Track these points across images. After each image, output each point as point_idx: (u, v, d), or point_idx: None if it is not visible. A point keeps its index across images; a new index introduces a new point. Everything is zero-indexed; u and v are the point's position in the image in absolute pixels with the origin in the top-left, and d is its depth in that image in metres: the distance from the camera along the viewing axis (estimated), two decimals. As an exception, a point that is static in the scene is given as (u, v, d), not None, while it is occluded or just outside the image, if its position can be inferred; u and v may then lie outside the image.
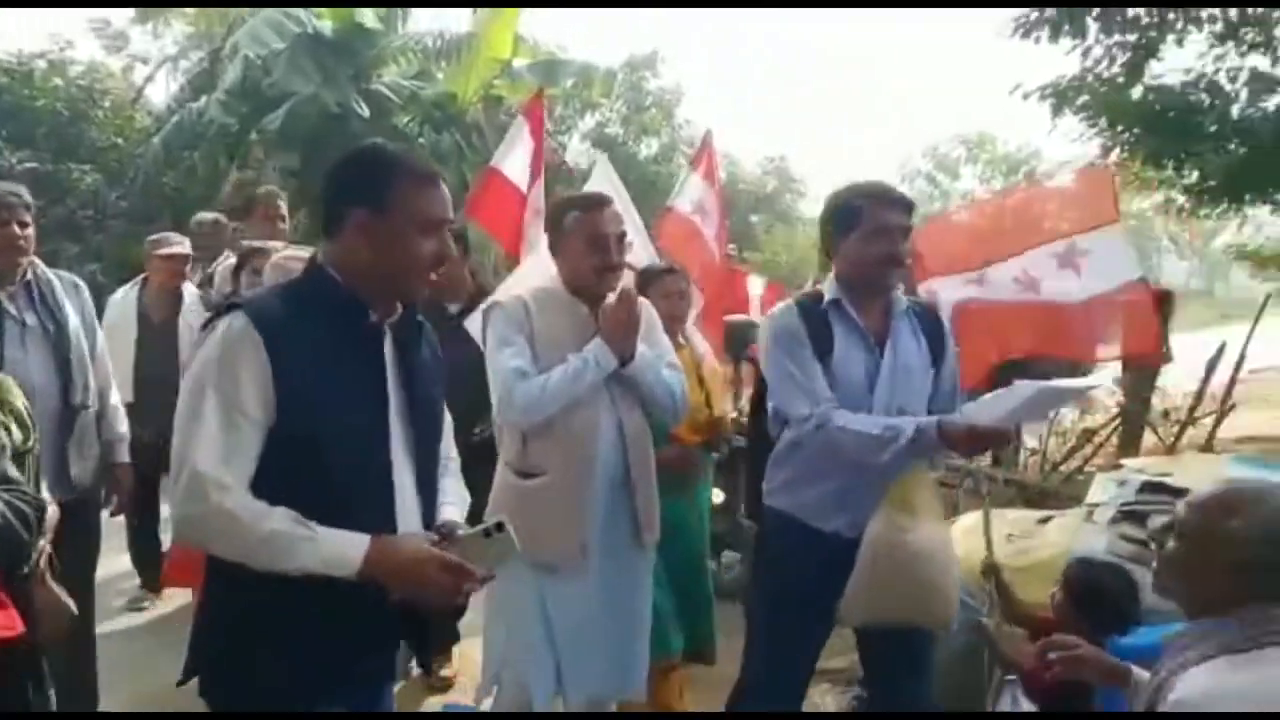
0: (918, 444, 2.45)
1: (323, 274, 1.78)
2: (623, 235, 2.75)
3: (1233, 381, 6.06)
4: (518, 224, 4.32)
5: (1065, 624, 2.55)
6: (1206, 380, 7.32)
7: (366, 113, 10.78)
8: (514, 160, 4.48)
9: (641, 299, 2.79)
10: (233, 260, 4.24)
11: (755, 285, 7.11)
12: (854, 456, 2.51)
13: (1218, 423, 4.78)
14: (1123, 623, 2.59)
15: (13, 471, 1.97)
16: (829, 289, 2.66)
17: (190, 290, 4.47)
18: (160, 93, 14.21)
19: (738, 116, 75.74)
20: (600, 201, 2.77)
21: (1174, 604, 1.86)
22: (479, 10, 12.05)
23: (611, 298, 2.70)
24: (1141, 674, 1.96)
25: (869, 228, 2.57)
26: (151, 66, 14.53)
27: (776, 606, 2.72)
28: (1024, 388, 2.31)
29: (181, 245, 4.41)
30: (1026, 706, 2.62)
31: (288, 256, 2.91)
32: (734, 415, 4.21)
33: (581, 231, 2.68)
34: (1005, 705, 2.73)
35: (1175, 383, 6.05)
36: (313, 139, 10.49)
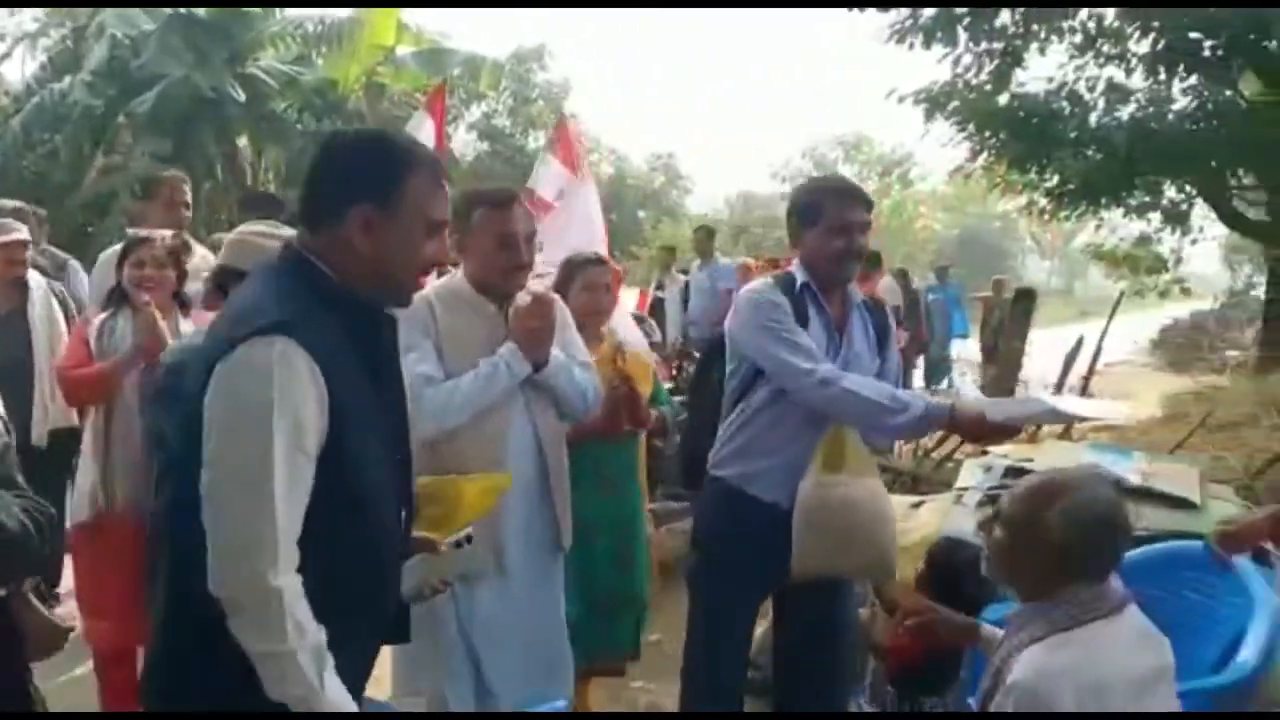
0: (924, 421, 2.58)
1: (315, 270, 1.62)
2: (532, 234, 2.70)
3: (1090, 373, 6.46)
4: None
5: (928, 598, 2.70)
6: (1065, 373, 7.77)
7: (242, 97, 10.42)
8: None
9: (554, 295, 2.78)
10: (116, 249, 3.95)
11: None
12: (850, 419, 2.60)
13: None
14: (979, 600, 2.74)
15: (19, 477, 1.84)
16: (799, 273, 2.76)
17: (36, 279, 4.21)
18: (15, 71, 13.40)
19: (627, 113, 76.02)
20: (510, 198, 2.70)
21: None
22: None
23: (525, 298, 2.65)
24: (992, 630, 2.10)
25: (829, 223, 2.69)
26: (8, 43, 13.68)
27: (718, 574, 2.78)
28: (1044, 402, 2.37)
29: (20, 231, 4.15)
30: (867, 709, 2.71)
31: (259, 233, 2.64)
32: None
33: (490, 229, 2.60)
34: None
35: (1039, 375, 6.39)
36: (184, 124, 10.08)
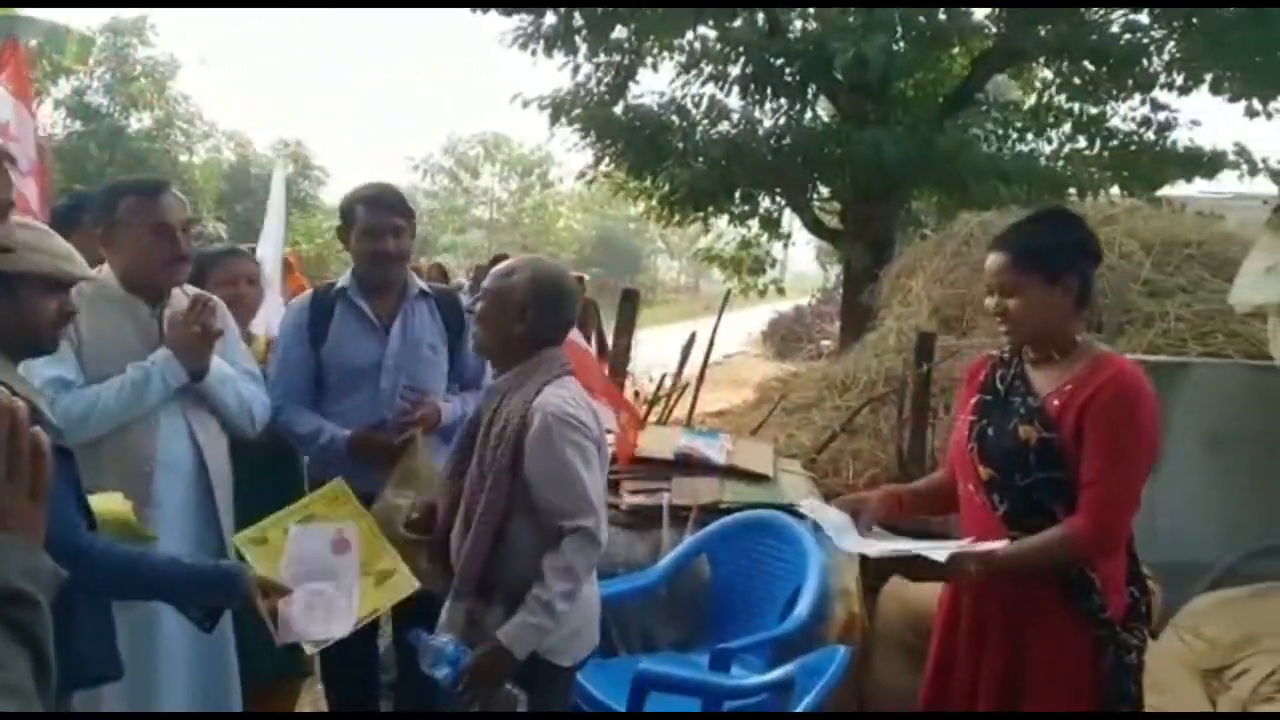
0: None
1: None
2: (189, 223, 2.54)
3: (704, 365, 6.99)
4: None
5: None
6: (681, 365, 8.43)
7: None
8: None
9: (215, 298, 2.58)
10: None
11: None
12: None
13: (675, 401, 5.54)
14: None
15: None
16: (346, 276, 3.03)
17: None
18: None
19: (245, 97, 70.97)
20: (162, 185, 2.53)
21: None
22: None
23: (182, 300, 2.47)
24: None
25: (360, 227, 2.92)
26: None
27: None
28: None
29: None
30: None
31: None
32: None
33: (143, 220, 2.40)
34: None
35: (665, 366, 6.81)
36: None
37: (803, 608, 2.96)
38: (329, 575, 2.31)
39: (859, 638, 3.26)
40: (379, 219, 2.91)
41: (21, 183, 4.21)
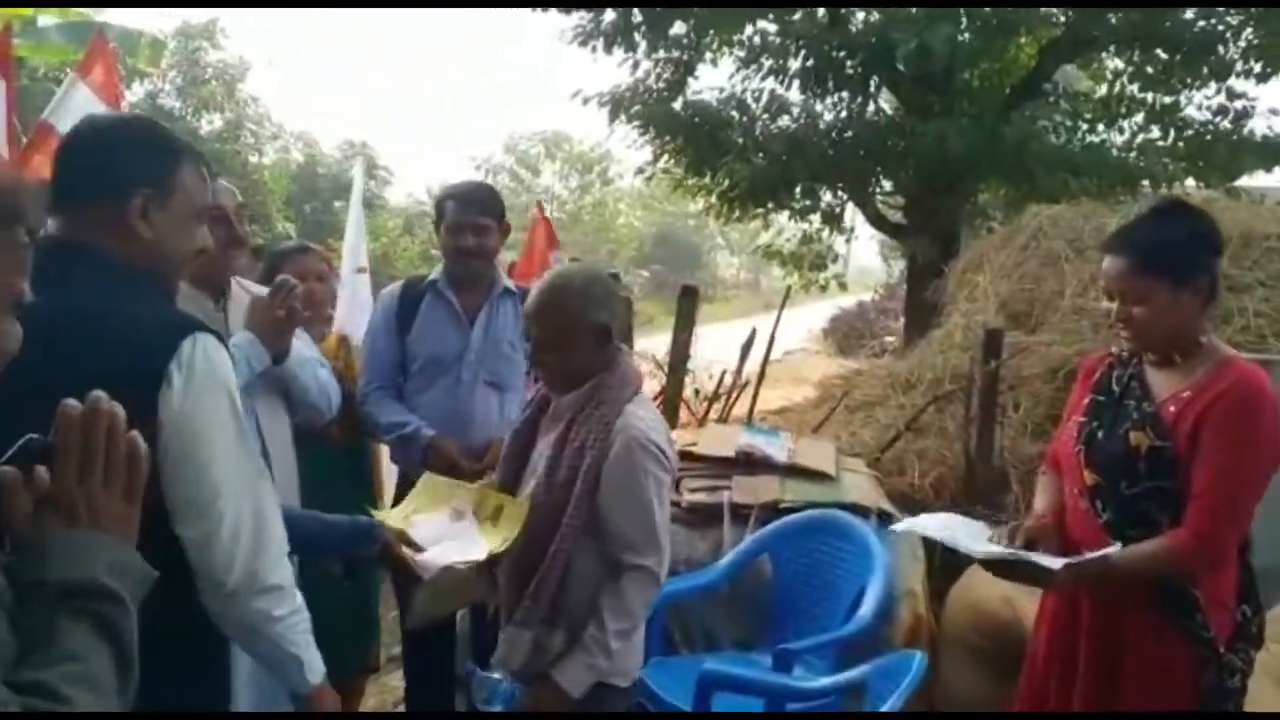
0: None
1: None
2: (242, 208, 2.59)
3: (764, 362, 6.94)
4: None
5: None
6: (741, 362, 8.37)
7: None
8: None
9: (296, 282, 2.59)
10: None
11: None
12: None
13: (735, 398, 5.51)
14: None
15: None
16: (438, 269, 3.15)
17: None
18: None
19: (313, 99, 72.09)
20: (213, 174, 2.55)
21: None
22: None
23: (242, 295, 2.50)
24: None
25: (447, 222, 3.04)
26: None
27: None
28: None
29: None
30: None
31: None
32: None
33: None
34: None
35: (724, 363, 6.77)
36: None
37: (867, 609, 2.92)
38: (454, 537, 2.29)
39: (925, 640, 3.21)
40: (463, 216, 3.02)
41: None
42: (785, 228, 12.50)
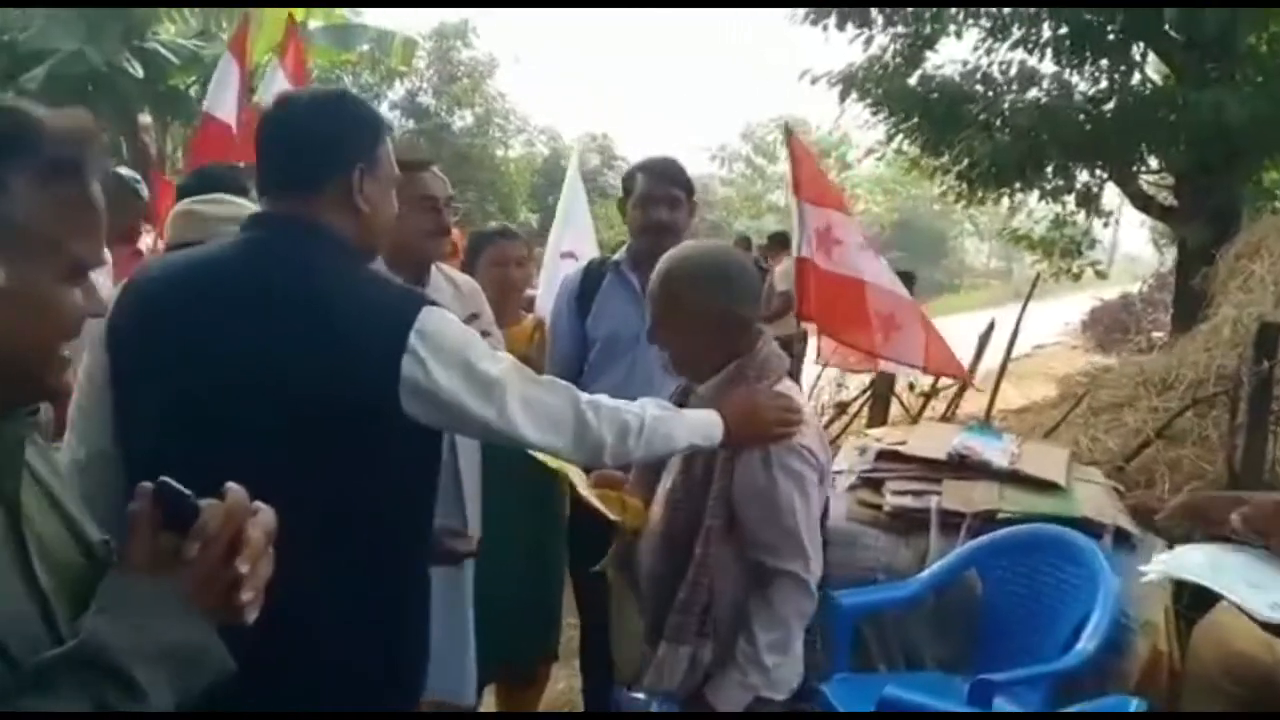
0: None
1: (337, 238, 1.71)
2: (450, 200, 2.61)
3: (1006, 357, 6.43)
4: (227, 160, 3.92)
5: None
6: (978, 356, 7.82)
7: (140, 72, 10.03)
8: (223, 98, 4.18)
9: (470, 280, 2.70)
10: None
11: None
12: None
13: (960, 395, 5.09)
14: None
15: None
16: (622, 251, 3.03)
17: None
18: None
19: (556, 92, 74.98)
20: (426, 162, 2.60)
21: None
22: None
23: (440, 282, 2.56)
24: None
25: (637, 195, 2.92)
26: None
27: None
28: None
29: None
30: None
31: (208, 200, 2.53)
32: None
33: (408, 194, 2.37)
34: None
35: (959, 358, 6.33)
36: (78, 99, 9.67)
37: (1089, 641, 2.55)
38: None
39: (1165, 681, 2.78)
40: (656, 188, 2.91)
41: None
42: (1036, 210, 11.59)
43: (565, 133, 26.77)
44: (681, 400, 2.12)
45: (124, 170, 4.13)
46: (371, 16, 12.34)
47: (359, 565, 1.59)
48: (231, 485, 0.97)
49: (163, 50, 10.56)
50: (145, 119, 8.13)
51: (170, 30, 11.30)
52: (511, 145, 21.56)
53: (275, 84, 4.41)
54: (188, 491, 0.92)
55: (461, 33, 18.86)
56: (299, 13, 11.10)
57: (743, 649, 1.89)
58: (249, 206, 2.39)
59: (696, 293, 1.95)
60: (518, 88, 50.22)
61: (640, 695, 1.99)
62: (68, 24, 9.55)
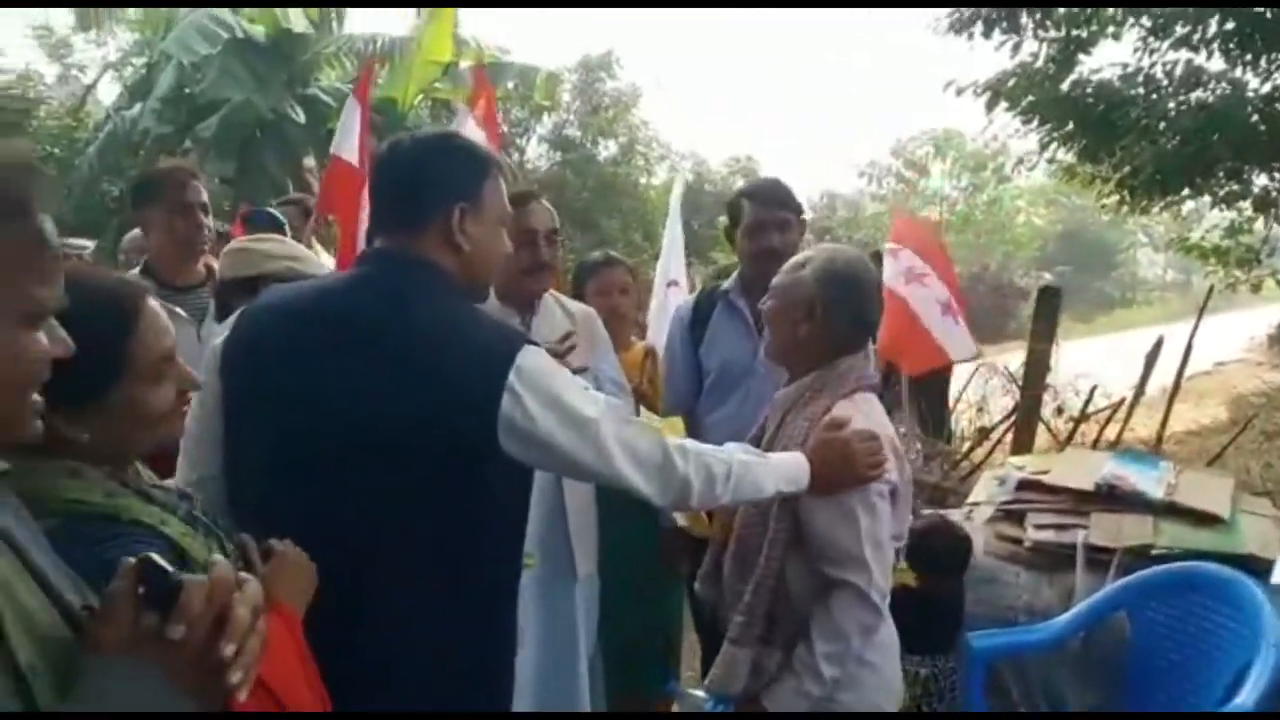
0: None
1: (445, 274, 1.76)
2: (553, 232, 2.62)
3: (1178, 378, 6.01)
4: (356, 201, 4.03)
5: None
6: (1145, 376, 7.28)
7: (303, 118, 10.64)
8: (349, 141, 4.32)
9: (584, 307, 2.71)
10: None
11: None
12: None
13: (1111, 418, 4.74)
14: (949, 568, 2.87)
15: None
16: (731, 279, 2.94)
17: None
18: (105, 101, 13.97)
19: (700, 117, 75.05)
20: (529, 195, 2.64)
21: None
22: (421, 12, 11.94)
23: (553, 309, 2.59)
24: None
25: (746, 223, 2.83)
26: (94, 74, 14.26)
27: None
28: None
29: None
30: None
31: (259, 239, 2.70)
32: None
33: (510, 227, 2.57)
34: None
35: (1126, 378, 5.96)
36: (247, 146, 10.36)
37: (1248, 694, 2.30)
38: None
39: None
40: (765, 213, 2.82)
41: None
42: (1209, 218, 10.79)
43: (710, 157, 26.84)
44: (755, 443, 2.08)
45: (274, 210, 4.37)
46: (524, 53, 12.71)
47: (451, 596, 1.60)
48: (218, 558, 0.93)
49: (323, 96, 11.18)
50: (309, 161, 8.62)
51: (330, 75, 11.95)
52: (655, 172, 21.71)
53: (468, 131, 4.58)
54: (170, 568, 0.87)
55: (606, 64, 19.17)
56: (446, 53, 11.58)
57: (800, 656, 1.88)
58: (293, 245, 2.60)
59: (826, 290, 1.97)
60: (661, 114, 50.70)
61: (699, 694, 1.98)
62: (237, 75, 10.26)
